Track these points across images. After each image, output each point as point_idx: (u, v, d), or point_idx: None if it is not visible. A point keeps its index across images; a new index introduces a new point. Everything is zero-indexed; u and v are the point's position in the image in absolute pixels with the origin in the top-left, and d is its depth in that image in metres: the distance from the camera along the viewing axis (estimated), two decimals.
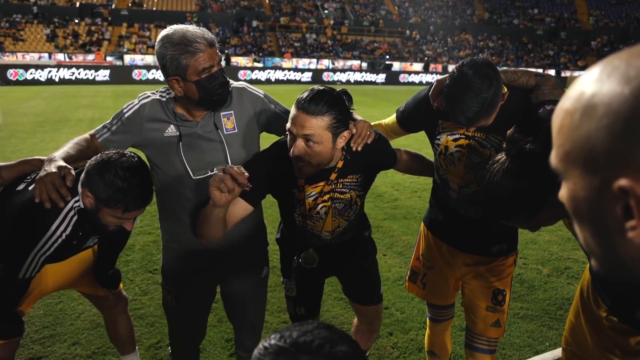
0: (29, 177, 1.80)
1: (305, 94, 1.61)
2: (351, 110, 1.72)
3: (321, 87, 1.64)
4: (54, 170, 1.64)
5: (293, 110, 1.62)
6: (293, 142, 1.64)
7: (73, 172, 1.67)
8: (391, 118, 2.13)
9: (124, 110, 1.85)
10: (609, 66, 0.51)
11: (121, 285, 2.35)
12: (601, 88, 0.50)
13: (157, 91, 1.89)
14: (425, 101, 1.90)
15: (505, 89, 1.70)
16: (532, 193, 1.25)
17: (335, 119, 1.62)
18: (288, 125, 1.64)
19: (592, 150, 0.50)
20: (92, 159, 1.65)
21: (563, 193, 0.59)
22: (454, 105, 1.61)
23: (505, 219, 1.40)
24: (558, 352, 2.83)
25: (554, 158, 0.57)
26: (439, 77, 1.88)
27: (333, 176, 1.82)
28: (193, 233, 1.86)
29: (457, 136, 1.86)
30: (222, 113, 1.87)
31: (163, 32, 1.71)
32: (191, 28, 1.70)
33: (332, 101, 1.61)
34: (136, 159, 1.66)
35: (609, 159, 0.49)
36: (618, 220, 0.51)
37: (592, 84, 0.52)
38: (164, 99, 1.85)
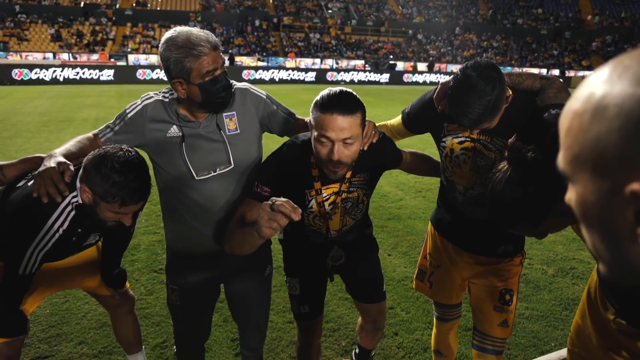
0: (29, 175, 1.82)
1: (330, 97, 1.58)
2: None
3: (338, 88, 1.63)
4: (52, 165, 1.66)
5: (323, 116, 1.57)
6: (330, 148, 1.60)
7: (72, 167, 1.69)
8: (397, 119, 2.13)
9: (127, 111, 1.86)
10: (619, 66, 0.50)
11: (127, 285, 2.36)
12: (612, 89, 0.49)
13: (159, 92, 1.90)
14: (430, 103, 1.91)
15: (509, 92, 1.69)
16: (536, 201, 1.24)
17: (363, 114, 1.63)
18: (321, 131, 1.59)
19: (602, 153, 0.49)
20: (90, 154, 1.67)
21: (571, 197, 0.57)
22: (458, 107, 1.61)
23: (510, 228, 1.40)
24: (563, 352, 2.82)
25: (561, 160, 0.56)
26: (443, 79, 1.87)
27: (348, 174, 1.82)
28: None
29: (462, 139, 1.86)
30: (224, 114, 1.88)
31: (167, 35, 1.71)
32: (195, 31, 1.70)
33: (356, 97, 1.62)
34: (133, 153, 1.66)
35: (620, 162, 0.48)
36: (629, 226, 0.50)
37: (602, 84, 0.50)
38: (166, 100, 1.85)
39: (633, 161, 0.47)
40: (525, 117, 1.70)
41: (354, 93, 1.64)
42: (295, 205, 1.32)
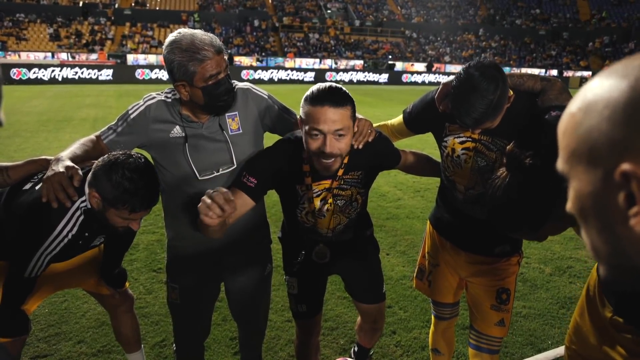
0: (35, 177, 1.82)
1: (320, 91, 1.60)
2: None
3: (329, 83, 1.65)
4: (61, 169, 1.65)
5: (313, 109, 1.59)
6: (322, 141, 1.61)
7: (80, 172, 1.68)
8: (398, 119, 2.14)
9: (130, 112, 1.86)
10: (608, 70, 0.55)
11: (127, 284, 2.37)
12: (601, 86, 0.54)
13: (162, 92, 1.90)
14: (432, 103, 1.91)
15: (511, 92, 1.70)
16: (535, 207, 1.25)
17: (353, 106, 1.65)
18: (312, 125, 1.60)
19: (594, 143, 0.53)
20: (100, 159, 1.66)
21: (570, 196, 0.60)
22: (460, 106, 1.62)
23: (510, 233, 1.41)
24: (560, 350, 2.84)
25: (560, 162, 0.59)
26: (445, 79, 1.88)
27: (340, 172, 1.82)
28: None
29: (463, 139, 1.87)
30: (226, 114, 1.88)
31: (171, 37, 1.71)
32: (199, 33, 1.70)
33: (345, 91, 1.64)
34: (143, 160, 1.67)
35: (610, 148, 0.51)
36: (621, 211, 0.52)
37: (593, 86, 0.55)
38: (169, 100, 1.86)
39: (621, 145, 0.50)
40: (526, 118, 1.71)
41: (343, 87, 1.66)
42: (231, 198, 1.36)
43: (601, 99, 0.53)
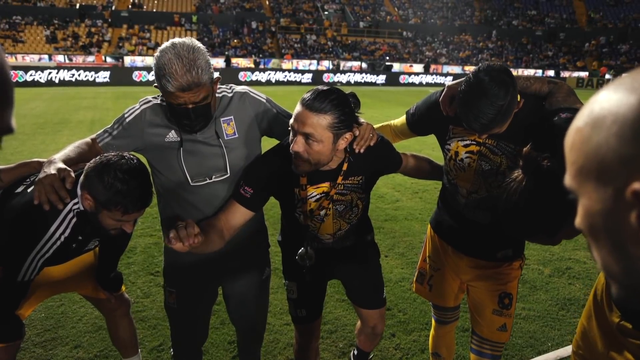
0: (28, 180, 1.80)
1: (309, 92, 1.62)
2: (357, 114, 1.71)
3: (327, 87, 1.64)
4: (53, 172, 1.64)
5: (297, 107, 1.62)
6: (294, 138, 1.64)
7: (73, 174, 1.67)
8: (400, 119, 2.11)
9: (125, 115, 1.85)
10: (616, 83, 0.54)
11: (123, 288, 2.35)
12: (609, 101, 0.52)
13: (158, 96, 1.88)
14: (436, 105, 1.88)
15: (519, 97, 1.67)
16: (552, 211, 1.21)
17: (338, 119, 1.60)
18: (291, 121, 1.64)
19: (603, 160, 0.51)
20: (92, 161, 1.65)
21: (579, 213, 0.58)
22: (469, 111, 1.58)
23: (525, 238, 1.38)
24: (560, 352, 2.83)
25: (568, 177, 0.57)
26: (450, 81, 1.86)
27: (339, 179, 1.81)
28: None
29: (467, 142, 1.84)
30: (222, 118, 1.87)
31: (165, 44, 1.66)
32: (181, 60, 1.59)
33: (336, 101, 1.60)
34: (135, 160, 1.66)
35: (620, 166, 0.49)
36: (633, 230, 0.50)
37: (600, 100, 0.53)
38: (164, 104, 1.84)
39: (631, 163, 0.48)
40: (532, 121, 1.68)
41: (339, 96, 1.61)
42: (196, 232, 1.45)
43: (609, 114, 0.51)
